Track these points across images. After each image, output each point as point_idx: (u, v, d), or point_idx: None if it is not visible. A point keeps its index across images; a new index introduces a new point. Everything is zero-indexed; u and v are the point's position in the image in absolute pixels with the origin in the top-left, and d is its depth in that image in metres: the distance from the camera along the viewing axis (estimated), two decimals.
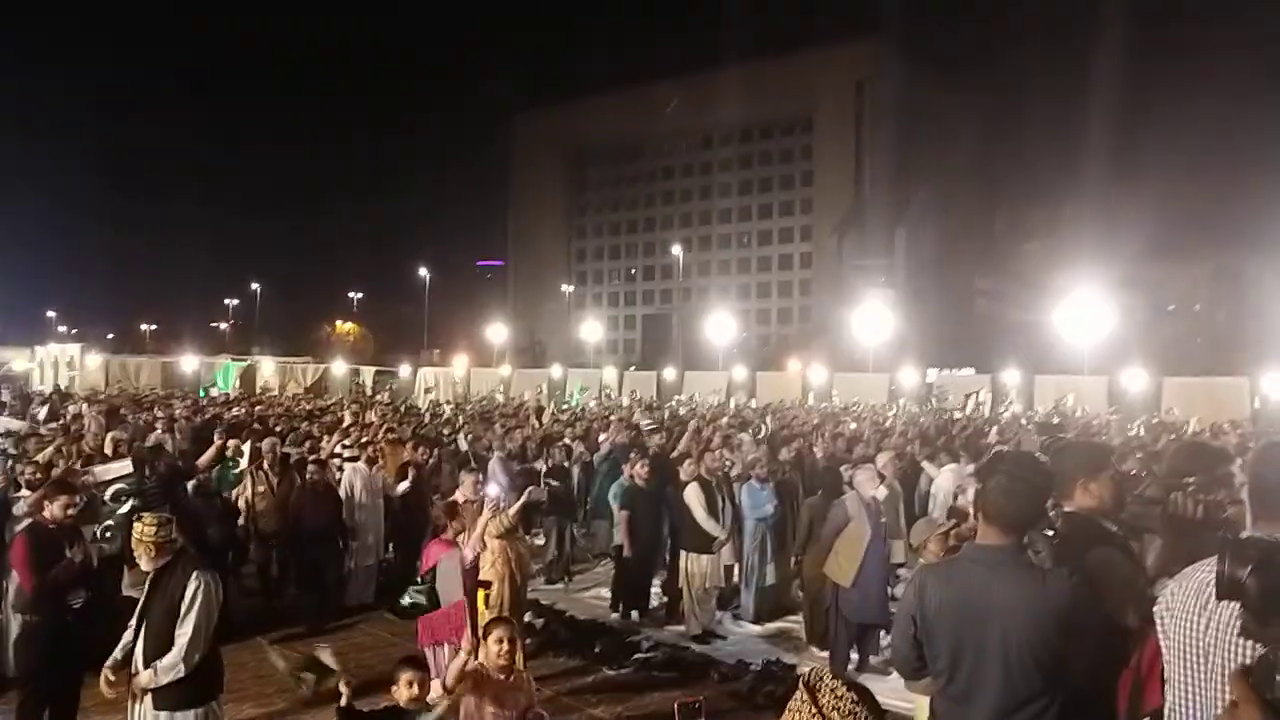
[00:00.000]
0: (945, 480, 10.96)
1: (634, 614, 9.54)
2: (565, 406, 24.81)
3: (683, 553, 9.05)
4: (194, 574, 4.92)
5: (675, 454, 11.57)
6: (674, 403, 25.32)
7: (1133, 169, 68.29)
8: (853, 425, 16.79)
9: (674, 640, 8.75)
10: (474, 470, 8.77)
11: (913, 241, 76.26)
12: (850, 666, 7.84)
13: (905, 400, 27.95)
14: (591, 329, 65.99)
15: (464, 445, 13.24)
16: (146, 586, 5.00)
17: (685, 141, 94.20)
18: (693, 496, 9.01)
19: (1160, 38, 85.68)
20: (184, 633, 4.79)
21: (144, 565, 5.02)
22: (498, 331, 57.53)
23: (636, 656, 8.15)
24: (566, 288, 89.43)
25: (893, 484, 9.16)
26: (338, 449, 11.56)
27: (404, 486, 10.42)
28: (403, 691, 4.41)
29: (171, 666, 4.76)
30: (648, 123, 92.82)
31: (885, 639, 7.96)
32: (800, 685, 2.05)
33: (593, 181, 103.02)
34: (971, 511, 4.13)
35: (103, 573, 6.13)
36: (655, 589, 9.96)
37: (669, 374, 39.40)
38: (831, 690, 2.01)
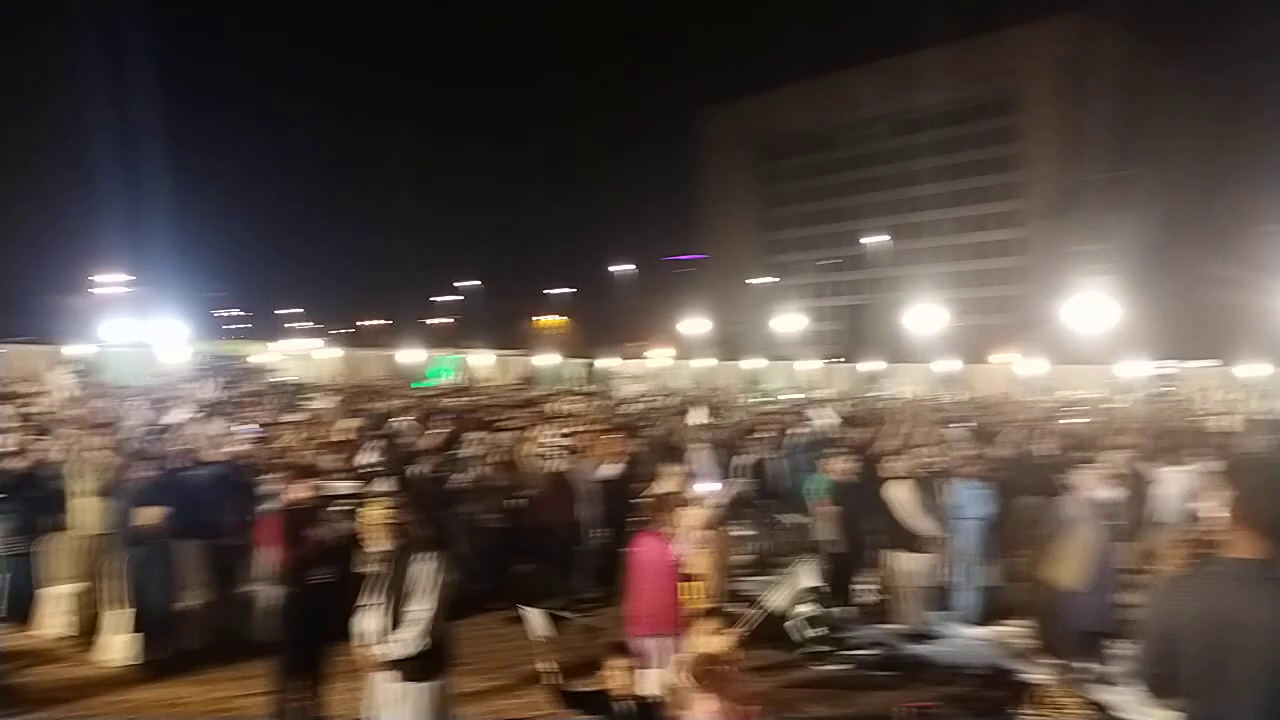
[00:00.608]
0: (1176, 482, 10.17)
1: (844, 609, 9.40)
2: (763, 398, 24.74)
3: (892, 551, 8.85)
4: (425, 555, 5.24)
5: (880, 449, 11.30)
6: (877, 395, 24.71)
7: None
8: (1074, 420, 15.84)
9: (886, 639, 8.58)
10: (680, 462, 8.89)
11: (1134, 225, 70.89)
12: (1075, 675, 7.43)
13: (1130, 394, 26.08)
14: (788, 321, 65.25)
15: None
16: (382, 565, 5.35)
17: (881, 128, 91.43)
18: (901, 493, 8.78)
19: None
20: (416, 610, 5.10)
21: (378, 546, 5.39)
22: (695, 324, 57.94)
23: (846, 653, 8.05)
24: (762, 280, 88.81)
25: (1122, 484, 8.59)
26: (548, 438, 12.01)
27: (610, 472, 10.67)
28: (612, 678, 4.54)
29: (405, 642, 5.07)
30: (841, 110, 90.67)
31: (1113, 647, 7.51)
32: (1031, 696, 1.97)
33: (786, 172, 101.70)
34: (1217, 518, 3.82)
35: (343, 551, 6.60)
36: (865, 586, 9.78)
37: (870, 366, 38.55)
38: (1064, 704, 1.93)
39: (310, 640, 6.34)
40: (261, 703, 6.59)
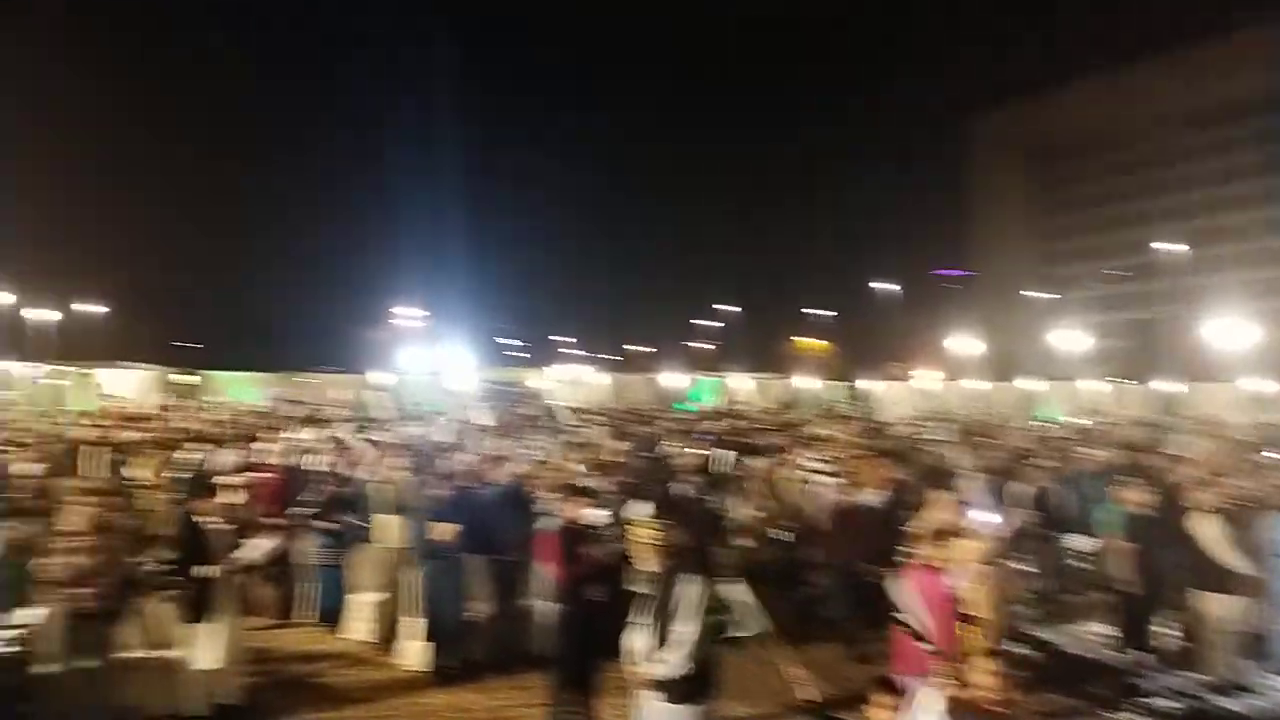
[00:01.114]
0: None
1: (1139, 655, 8.59)
2: (1040, 422, 23.23)
3: (1199, 591, 7.99)
4: (691, 577, 5.32)
5: (1183, 477, 10.26)
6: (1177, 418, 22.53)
7: None
8: None
9: (1190, 689, 7.74)
10: (951, 490, 8.50)
11: None
12: None
13: None
14: (1069, 338, 60.88)
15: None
16: (650, 586, 5.46)
17: (1171, 125, 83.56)
18: (1210, 528, 7.93)
19: None
20: (681, 632, 5.18)
21: (646, 566, 5.51)
22: (966, 343, 55.38)
23: (1144, 703, 7.34)
24: (1040, 294, 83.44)
25: None
26: (807, 462, 11.85)
27: (875, 499, 10.33)
28: (877, 713, 4.40)
29: (669, 663, 5.15)
30: (1124, 108, 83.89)
31: None
32: None
33: (1063, 178, 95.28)
34: None
35: (615, 570, 6.82)
36: (1165, 630, 8.89)
37: (1166, 387, 35.20)
38: None
39: (584, 656, 6.60)
40: (539, 713, 6.93)
